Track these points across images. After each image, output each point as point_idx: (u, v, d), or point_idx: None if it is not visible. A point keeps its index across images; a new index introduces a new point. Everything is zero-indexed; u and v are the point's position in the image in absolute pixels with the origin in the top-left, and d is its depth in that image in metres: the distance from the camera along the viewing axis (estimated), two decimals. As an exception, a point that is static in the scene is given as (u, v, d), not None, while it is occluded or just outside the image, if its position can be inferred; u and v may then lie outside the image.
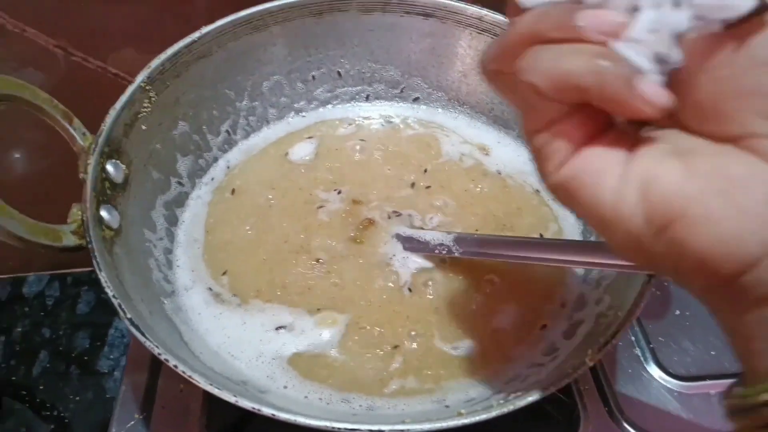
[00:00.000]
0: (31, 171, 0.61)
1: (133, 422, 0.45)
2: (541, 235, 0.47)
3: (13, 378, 0.58)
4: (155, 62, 0.44)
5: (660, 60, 0.21)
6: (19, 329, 0.61)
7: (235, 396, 0.31)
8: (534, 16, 0.23)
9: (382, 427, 0.31)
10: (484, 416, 0.31)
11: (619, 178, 0.22)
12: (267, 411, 0.31)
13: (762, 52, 0.20)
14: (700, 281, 0.22)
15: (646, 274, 0.36)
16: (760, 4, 0.19)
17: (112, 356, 0.59)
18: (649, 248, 0.22)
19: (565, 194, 0.24)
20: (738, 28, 0.20)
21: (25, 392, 0.57)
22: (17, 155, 0.60)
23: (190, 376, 0.32)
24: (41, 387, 0.57)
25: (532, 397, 0.32)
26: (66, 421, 0.55)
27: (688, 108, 0.22)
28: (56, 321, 0.62)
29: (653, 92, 0.20)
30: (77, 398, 0.56)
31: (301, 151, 0.51)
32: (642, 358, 0.48)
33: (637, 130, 0.24)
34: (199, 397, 0.46)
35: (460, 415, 0.32)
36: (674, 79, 0.22)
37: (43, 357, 0.59)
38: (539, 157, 0.25)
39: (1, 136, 0.57)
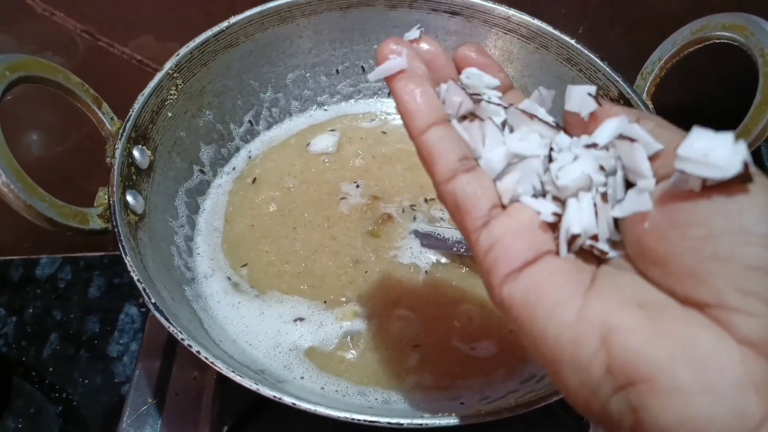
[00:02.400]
0: (49, 153, 0.61)
1: (146, 407, 0.46)
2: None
3: (24, 359, 0.58)
4: (183, 50, 0.44)
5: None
6: (31, 311, 0.61)
7: (256, 384, 0.31)
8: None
9: (401, 420, 0.31)
10: (505, 414, 0.31)
11: (578, 316, 0.20)
12: (288, 400, 0.31)
13: (742, 221, 0.19)
14: None
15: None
16: (744, 172, 0.19)
17: (121, 341, 0.59)
18: (603, 402, 0.20)
19: (515, 319, 0.22)
20: (715, 189, 0.19)
21: (34, 373, 0.57)
22: (35, 137, 0.60)
23: (212, 363, 0.32)
24: (51, 369, 0.57)
25: (551, 399, 0.32)
26: (74, 403, 0.55)
27: (650, 257, 0.21)
28: (67, 304, 0.62)
29: None
30: (86, 381, 0.57)
31: (323, 143, 0.51)
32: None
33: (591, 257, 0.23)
34: (211, 386, 0.46)
35: (479, 411, 0.32)
36: (634, 223, 0.21)
37: (54, 339, 0.59)
38: (484, 267, 0.23)
39: (19, 118, 0.57)
